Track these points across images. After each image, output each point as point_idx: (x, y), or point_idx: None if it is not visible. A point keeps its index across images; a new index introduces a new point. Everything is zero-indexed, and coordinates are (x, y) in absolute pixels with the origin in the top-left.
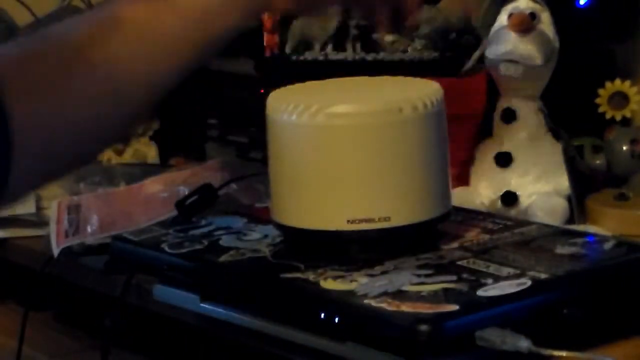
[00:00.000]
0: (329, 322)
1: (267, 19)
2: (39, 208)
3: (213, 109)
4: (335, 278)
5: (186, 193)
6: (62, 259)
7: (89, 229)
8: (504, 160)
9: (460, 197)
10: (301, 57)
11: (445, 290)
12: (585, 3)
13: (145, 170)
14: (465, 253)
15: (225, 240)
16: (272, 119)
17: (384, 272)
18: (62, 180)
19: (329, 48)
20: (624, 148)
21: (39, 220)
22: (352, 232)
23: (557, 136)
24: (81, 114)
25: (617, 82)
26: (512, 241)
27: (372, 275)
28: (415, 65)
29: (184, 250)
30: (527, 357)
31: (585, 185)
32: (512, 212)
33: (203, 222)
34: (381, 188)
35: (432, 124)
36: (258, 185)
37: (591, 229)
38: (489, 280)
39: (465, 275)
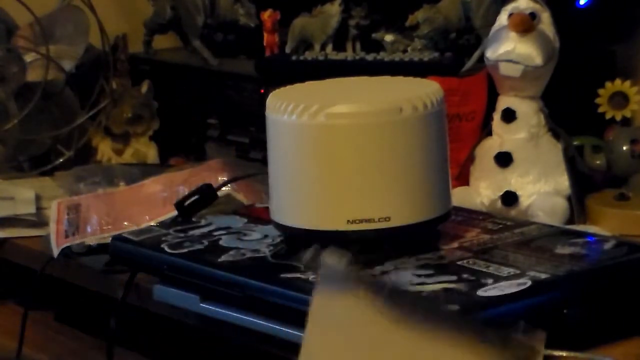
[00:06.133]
0: None
1: (267, 19)
2: (39, 208)
3: (213, 109)
4: None
5: (186, 193)
6: (62, 259)
7: (89, 229)
8: (504, 160)
9: (460, 197)
10: (301, 57)
11: (445, 290)
12: (585, 3)
13: (145, 170)
14: (465, 253)
15: (225, 240)
16: (272, 119)
17: (384, 272)
18: (62, 180)
19: (329, 48)
20: (624, 148)
21: (39, 220)
22: (352, 232)
23: (557, 136)
24: None
25: (617, 82)
26: (512, 241)
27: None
28: (415, 65)
29: (184, 250)
30: None
31: (585, 185)
32: (512, 212)
33: (203, 222)
34: (381, 188)
35: (432, 124)
36: (258, 185)
37: (591, 229)
38: (489, 280)
39: (465, 275)
